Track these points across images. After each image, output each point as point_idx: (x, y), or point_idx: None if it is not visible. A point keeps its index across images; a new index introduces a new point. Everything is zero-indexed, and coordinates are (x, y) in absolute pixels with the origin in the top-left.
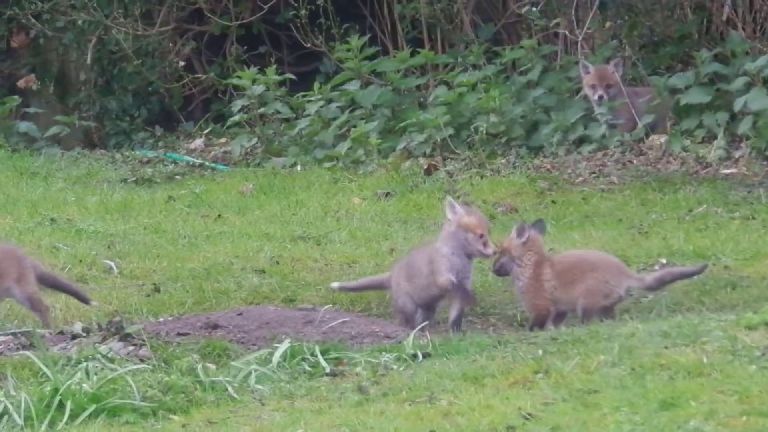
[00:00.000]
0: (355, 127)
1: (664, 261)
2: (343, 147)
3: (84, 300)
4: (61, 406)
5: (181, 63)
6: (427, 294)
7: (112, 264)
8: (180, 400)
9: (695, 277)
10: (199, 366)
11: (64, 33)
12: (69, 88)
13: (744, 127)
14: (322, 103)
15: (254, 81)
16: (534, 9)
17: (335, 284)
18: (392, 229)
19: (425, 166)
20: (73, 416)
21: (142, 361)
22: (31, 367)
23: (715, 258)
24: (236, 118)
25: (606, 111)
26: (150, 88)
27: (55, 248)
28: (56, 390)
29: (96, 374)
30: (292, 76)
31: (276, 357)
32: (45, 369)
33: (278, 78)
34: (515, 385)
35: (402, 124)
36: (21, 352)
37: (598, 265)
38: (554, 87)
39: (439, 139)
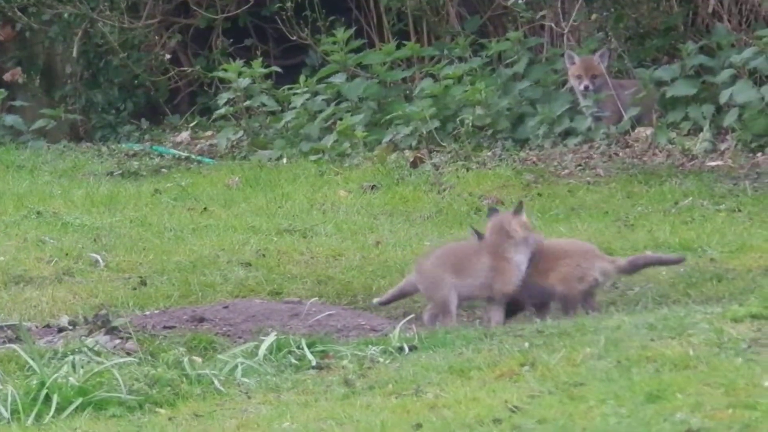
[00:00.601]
0: (341, 119)
1: (650, 253)
2: (329, 140)
3: None
4: (48, 399)
5: (167, 56)
6: (473, 294)
7: (98, 257)
8: (166, 393)
9: (680, 270)
10: (186, 359)
11: (50, 26)
12: (55, 81)
13: (730, 119)
14: (308, 95)
15: (240, 74)
16: (520, 1)
17: (375, 300)
18: (378, 222)
19: (411, 159)
20: (60, 409)
21: (128, 354)
22: (18, 361)
23: (701, 250)
24: (222, 111)
25: (591, 103)
26: (136, 81)
27: (41, 241)
28: (43, 383)
29: (82, 367)
30: (278, 69)
31: (262, 350)
32: (31, 362)
33: (264, 71)
34: (501, 377)
35: (388, 117)
36: (7, 345)
37: (568, 251)
38: (540, 79)
39: (425, 132)
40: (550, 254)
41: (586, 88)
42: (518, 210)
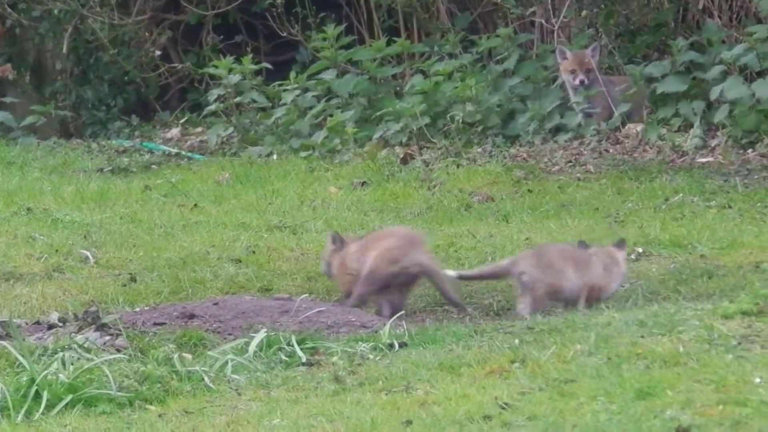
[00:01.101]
0: (331, 116)
1: (640, 250)
2: (319, 136)
3: None
4: (38, 396)
5: (157, 52)
6: (576, 288)
7: (88, 253)
8: (156, 389)
9: (671, 266)
10: (176, 356)
11: (40, 22)
12: (45, 78)
13: (720, 115)
14: (298, 92)
15: (230, 70)
16: None
17: (452, 272)
18: (368, 218)
19: (401, 155)
20: (50, 406)
21: (118, 351)
22: (8, 357)
23: (691, 247)
24: (212, 107)
25: (582, 100)
26: (126, 78)
27: (32, 238)
28: (32, 380)
29: (72, 364)
30: (269, 66)
31: (252, 347)
32: (21, 359)
33: (254, 67)
34: (492, 374)
35: (378, 113)
36: None
37: (394, 234)
38: (530, 76)
39: (415, 128)
40: (379, 235)
41: (582, 82)
42: (621, 245)
